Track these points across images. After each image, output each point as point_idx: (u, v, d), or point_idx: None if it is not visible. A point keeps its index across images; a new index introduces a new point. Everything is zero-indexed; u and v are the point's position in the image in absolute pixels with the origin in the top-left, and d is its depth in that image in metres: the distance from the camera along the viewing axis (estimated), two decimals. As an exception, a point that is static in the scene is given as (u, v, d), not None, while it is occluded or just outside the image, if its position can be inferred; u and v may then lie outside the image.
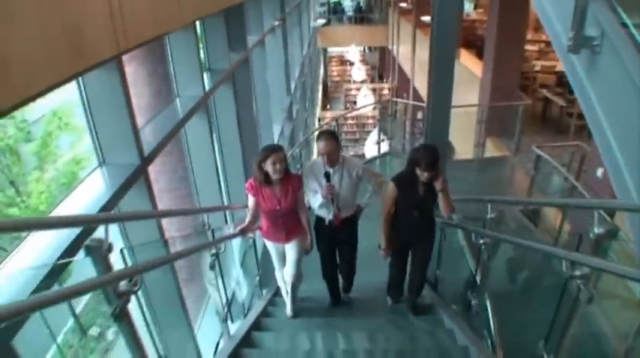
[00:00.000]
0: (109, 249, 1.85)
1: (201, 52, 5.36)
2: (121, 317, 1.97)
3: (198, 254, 3.43)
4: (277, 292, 4.83)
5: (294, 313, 4.42)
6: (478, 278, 3.60)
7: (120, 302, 1.93)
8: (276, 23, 9.76)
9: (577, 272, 2.05)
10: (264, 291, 5.07)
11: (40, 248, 2.13)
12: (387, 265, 4.33)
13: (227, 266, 4.37)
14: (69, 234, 2.12)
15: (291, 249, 3.98)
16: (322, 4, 25.96)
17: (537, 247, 2.67)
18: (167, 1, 3.50)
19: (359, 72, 26.17)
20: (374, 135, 13.58)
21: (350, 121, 22.71)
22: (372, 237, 4.14)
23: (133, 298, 2.00)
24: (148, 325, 2.31)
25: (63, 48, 2.11)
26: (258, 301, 4.88)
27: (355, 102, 23.21)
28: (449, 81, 5.28)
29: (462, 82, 12.90)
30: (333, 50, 31.03)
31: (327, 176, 3.79)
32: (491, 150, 10.15)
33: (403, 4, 17.86)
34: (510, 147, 9.58)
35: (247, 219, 3.80)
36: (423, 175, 3.47)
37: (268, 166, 3.50)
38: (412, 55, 17.11)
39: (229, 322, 3.86)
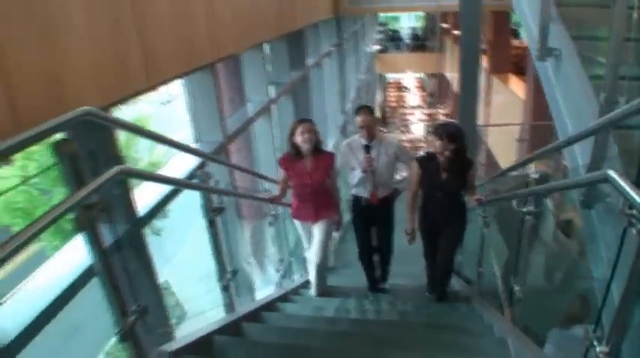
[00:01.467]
0: (210, 176, 2.92)
1: (268, 67, 6.55)
2: (212, 226, 3.02)
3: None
4: None
5: (318, 293, 4.42)
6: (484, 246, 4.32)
7: (213, 214, 2.98)
8: (333, 48, 10.94)
9: (524, 209, 2.90)
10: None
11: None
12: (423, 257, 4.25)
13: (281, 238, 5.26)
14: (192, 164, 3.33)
15: (318, 229, 3.97)
16: (380, 32, 27.17)
17: (505, 196, 3.56)
18: (243, 26, 4.66)
19: (414, 97, 27.06)
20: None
21: (406, 144, 23.59)
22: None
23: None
24: (227, 241, 3.34)
25: (183, 51, 3.26)
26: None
27: (410, 127, 24.08)
28: (473, 99, 6.12)
29: (510, 106, 13.47)
30: (392, 77, 32.12)
31: (367, 148, 3.82)
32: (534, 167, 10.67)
33: (456, 32, 18.69)
34: (550, 164, 10.10)
35: (277, 192, 4.00)
36: (443, 146, 3.46)
37: (298, 137, 3.59)
38: (464, 80, 17.76)
39: (280, 276, 4.81)
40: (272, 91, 6.36)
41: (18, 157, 8.61)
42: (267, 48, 6.47)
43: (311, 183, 3.75)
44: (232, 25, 4.23)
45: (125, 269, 2.17)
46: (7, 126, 1.79)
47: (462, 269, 5.16)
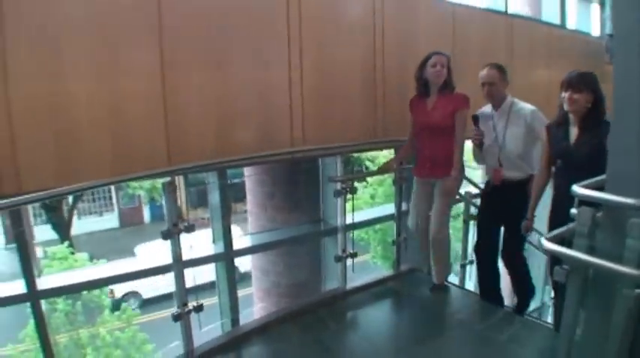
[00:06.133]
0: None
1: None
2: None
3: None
4: None
5: (437, 283, 3.64)
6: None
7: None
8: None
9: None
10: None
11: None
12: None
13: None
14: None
15: (436, 190, 3.42)
16: None
17: None
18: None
19: None
20: None
21: None
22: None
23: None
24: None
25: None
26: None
27: None
28: None
29: None
30: None
31: (475, 119, 3.32)
32: None
33: None
34: None
35: None
36: (566, 100, 2.73)
37: (428, 70, 3.26)
38: None
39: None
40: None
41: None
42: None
43: (427, 122, 3.34)
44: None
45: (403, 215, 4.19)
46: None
47: None
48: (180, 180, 17.30)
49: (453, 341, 3.12)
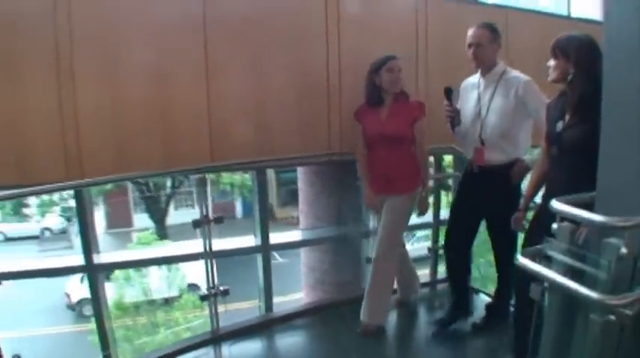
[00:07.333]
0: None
1: None
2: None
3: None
4: None
5: (370, 322, 3.11)
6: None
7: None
8: None
9: None
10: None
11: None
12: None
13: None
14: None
15: (388, 206, 3.02)
16: None
17: None
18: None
19: None
20: None
21: None
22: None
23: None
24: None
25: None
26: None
27: None
28: None
29: None
30: None
31: (448, 92, 2.85)
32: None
33: None
34: None
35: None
36: (550, 71, 2.22)
37: (384, 76, 2.91)
38: None
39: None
40: None
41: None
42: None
43: (382, 133, 2.97)
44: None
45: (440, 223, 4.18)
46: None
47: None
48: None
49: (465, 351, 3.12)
